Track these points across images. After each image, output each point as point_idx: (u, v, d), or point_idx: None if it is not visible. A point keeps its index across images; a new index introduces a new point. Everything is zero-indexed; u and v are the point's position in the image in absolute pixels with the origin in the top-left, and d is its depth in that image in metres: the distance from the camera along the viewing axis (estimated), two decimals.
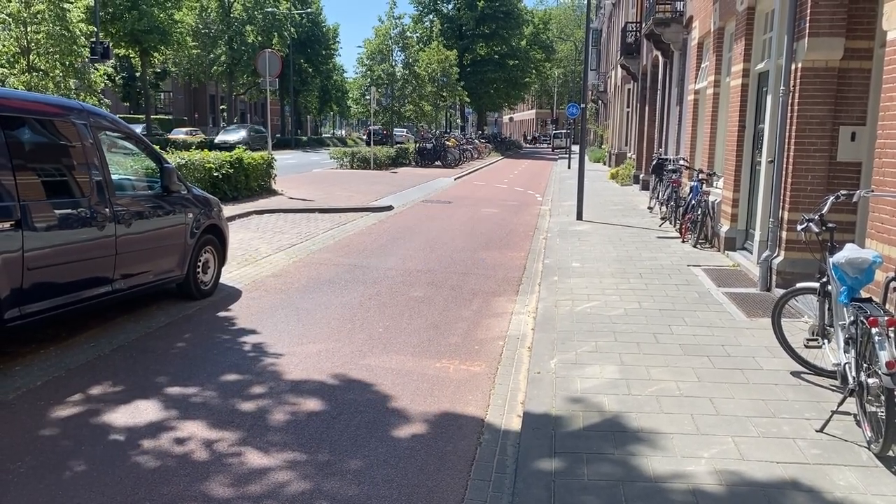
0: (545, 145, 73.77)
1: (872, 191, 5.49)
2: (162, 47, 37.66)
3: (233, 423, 4.46)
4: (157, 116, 50.46)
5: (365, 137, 45.03)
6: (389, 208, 16.24)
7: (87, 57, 22.27)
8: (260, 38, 49.06)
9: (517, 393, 5.06)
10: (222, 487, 3.67)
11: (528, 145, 76.80)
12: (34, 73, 20.08)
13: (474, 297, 7.95)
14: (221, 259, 8.05)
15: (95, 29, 26.99)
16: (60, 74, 20.39)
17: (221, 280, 8.12)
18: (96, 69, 22.33)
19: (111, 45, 33.81)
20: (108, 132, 6.65)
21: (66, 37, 20.03)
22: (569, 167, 31.61)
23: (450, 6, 60.73)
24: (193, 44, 43.34)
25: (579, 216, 14.17)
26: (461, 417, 4.68)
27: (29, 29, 19.66)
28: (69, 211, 5.75)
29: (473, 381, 5.35)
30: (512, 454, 4.09)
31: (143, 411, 4.61)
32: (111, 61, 36.17)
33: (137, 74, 44.59)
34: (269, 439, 4.24)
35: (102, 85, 22.36)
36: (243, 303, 7.48)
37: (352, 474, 3.85)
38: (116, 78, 45.64)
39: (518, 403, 4.84)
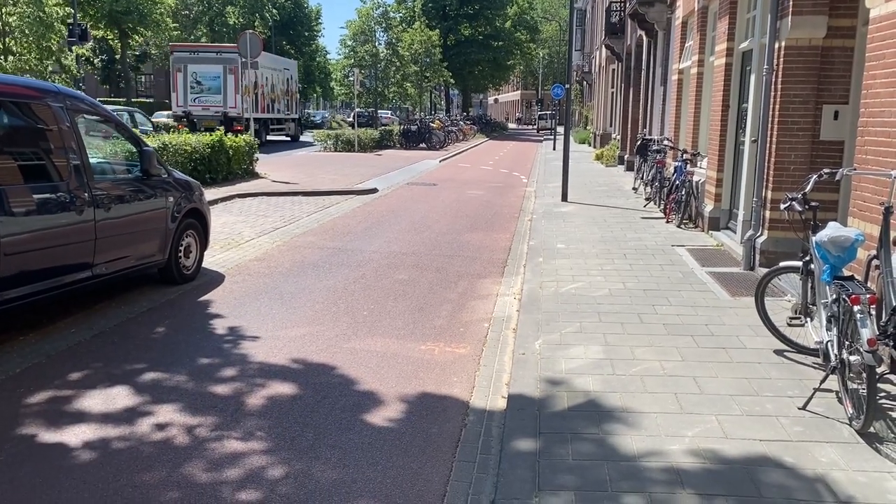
0: (530, 127, 73.65)
1: (855, 169, 5.50)
2: (141, 28, 37.10)
3: (215, 408, 4.42)
4: (138, 100, 49.77)
5: (350, 120, 44.98)
6: (374, 191, 16.15)
7: (65, 39, 21.92)
8: (241, 20, 48.52)
9: (502, 374, 5.05)
10: (204, 473, 3.64)
11: (514, 125, 76.68)
12: (10, 57, 19.72)
13: (459, 280, 7.93)
14: (204, 243, 7.97)
15: (72, 10, 26.50)
16: (36, 58, 20.05)
17: (204, 264, 8.04)
18: (71, 51, 21.98)
19: (89, 26, 33.26)
20: (85, 115, 6.54)
21: (42, 19, 19.67)
22: (554, 148, 31.57)
23: None
24: (173, 25, 42.73)
25: (564, 197, 14.16)
26: (446, 399, 4.67)
27: (4, 11, 19.28)
28: (47, 195, 5.65)
29: (458, 363, 5.34)
30: (497, 435, 4.08)
31: (124, 398, 4.56)
32: (89, 43, 35.49)
33: (117, 57, 43.90)
34: (251, 424, 4.21)
35: (77, 72, 22.04)
36: (226, 287, 7.42)
37: (335, 458, 3.83)
38: (95, 60, 44.99)
39: (503, 385, 4.84)
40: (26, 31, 19.69)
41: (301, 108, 46.48)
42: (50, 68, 20.55)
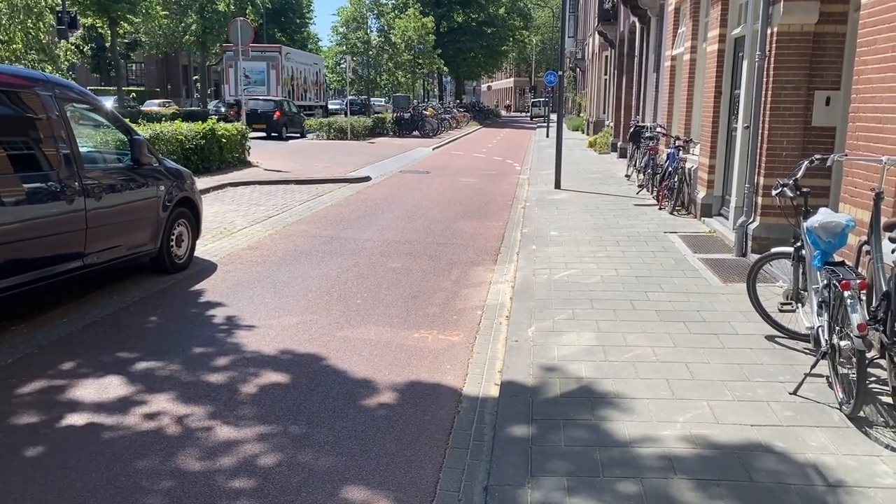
0: (523, 114, 73.47)
1: (846, 155, 5.50)
2: (130, 16, 36.67)
3: (208, 397, 4.42)
4: (129, 88, 49.38)
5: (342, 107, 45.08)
6: (367, 179, 16.11)
7: (53, 26, 21.67)
8: (232, 8, 48.00)
9: (495, 361, 5.06)
10: (197, 461, 3.64)
11: (505, 113, 76.49)
12: None
13: (453, 267, 7.93)
14: (195, 232, 7.95)
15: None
16: (23, 47, 19.83)
17: (196, 253, 8.02)
18: (59, 44, 21.74)
19: (78, 13, 32.88)
20: (75, 104, 6.49)
21: (29, 6, 19.45)
22: (547, 136, 31.52)
23: None
24: (163, 13, 42.27)
25: (557, 185, 14.16)
26: (439, 387, 4.68)
27: None
28: (36, 185, 5.61)
29: (452, 350, 5.35)
30: (490, 422, 4.10)
31: (117, 387, 4.55)
32: (79, 31, 35.16)
33: (107, 45, 43.46)
34: (244, 412, 4.21)
35: (67, 62, 21.78)
36: (219, 276, 7.40)
37: (329, 445, 3.84)
38: (85, 49, 44.57)
39: (496, 372, 4.85)
40: (14, 19, 19.45)
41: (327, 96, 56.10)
42: (36, 57, 20.28)
